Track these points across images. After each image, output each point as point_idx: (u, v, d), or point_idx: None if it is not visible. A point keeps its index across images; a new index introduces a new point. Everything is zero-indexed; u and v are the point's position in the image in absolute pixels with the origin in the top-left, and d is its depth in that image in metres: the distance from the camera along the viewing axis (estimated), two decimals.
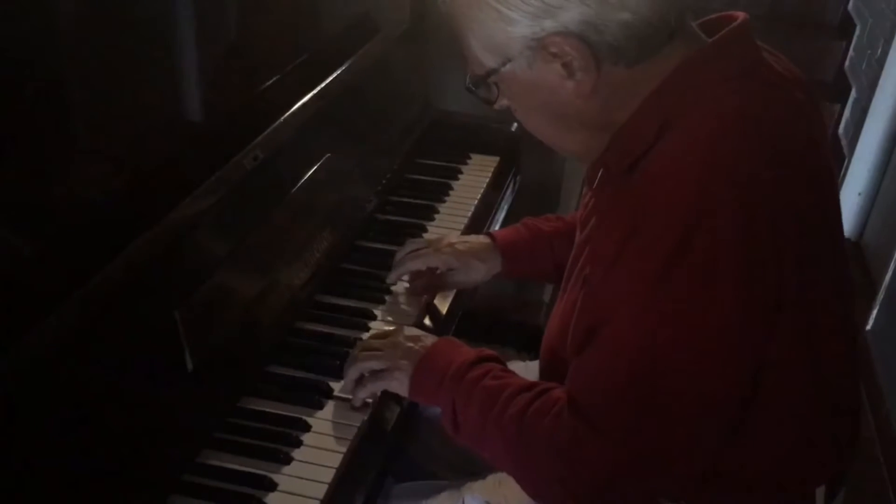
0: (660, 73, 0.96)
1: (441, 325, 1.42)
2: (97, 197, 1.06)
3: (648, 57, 0.96)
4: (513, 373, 1.11)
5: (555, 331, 1.13)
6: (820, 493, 1.08)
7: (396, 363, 1.15)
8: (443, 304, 1.45)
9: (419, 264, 1.40)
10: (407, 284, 1.43)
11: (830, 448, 1.08)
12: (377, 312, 1.38)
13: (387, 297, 1.42)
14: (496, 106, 1.06)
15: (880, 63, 3.03)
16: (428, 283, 1.42)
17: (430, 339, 1.17)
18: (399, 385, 1.15)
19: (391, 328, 1.23)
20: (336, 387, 1.21)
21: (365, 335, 1.32)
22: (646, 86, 0.97)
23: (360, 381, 1.17)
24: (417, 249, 1.40)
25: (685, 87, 0.95)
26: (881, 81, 3.02)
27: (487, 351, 1.15)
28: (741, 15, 1.01)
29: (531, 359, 1.40)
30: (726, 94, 0.95)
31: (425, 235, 1.60)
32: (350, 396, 1.18)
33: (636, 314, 0.93)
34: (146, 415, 1.04)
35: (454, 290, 1.46)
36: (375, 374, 1.16)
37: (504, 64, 0.98)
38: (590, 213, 1.13)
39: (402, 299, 1.42)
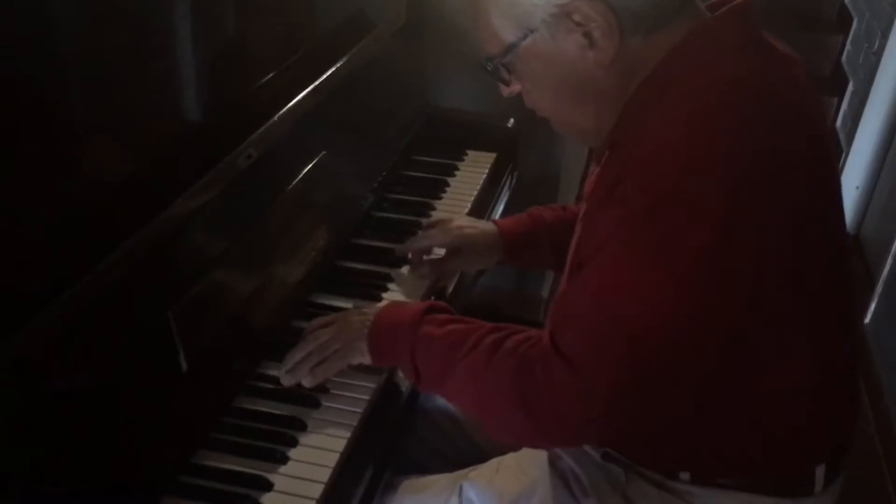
0: (670, 46, 0.99)
1: None
2: (90, 195, 1.06)
3: (662, 26, 0.98)
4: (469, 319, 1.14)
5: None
6: (820, 472, 1.09)
7: (352, 336, 1.19)
8: (440, 300, 1.44)
9: (427, 243, 1.46)
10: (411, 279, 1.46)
11: (829, 430, 1.10)
12: None
13: (383, 295, 1.42)
14: (507, 92, 1.08)
15: (877, 56, 3.03)
16: (433, 267, 1.46)
17: (375, 307, 1.22)
18: (360, 354, 1.18)
19: (334, 314, 1.26)
20: (332, 387, 1.21)
21: None
22: (657, 58, 0.99)
23: (320, 364, 1.19)
24: (428, 228, 1.48)
25: (685, 57, 0.98)
26: (878, 74, 3.02)
27: (439, 302, 1.20)
28: None
29: None
30: (724, 63, 0.97)
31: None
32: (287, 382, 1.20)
33: (617, 253, 0.94)
34: (140, 415, 1.03)
35: (452, 285, 1.48)
36: (336, 354, 1.19)
37: (525, 36, 0.99)
38: (594, 185, 1.14)
39: (398, 297, 1.42)
